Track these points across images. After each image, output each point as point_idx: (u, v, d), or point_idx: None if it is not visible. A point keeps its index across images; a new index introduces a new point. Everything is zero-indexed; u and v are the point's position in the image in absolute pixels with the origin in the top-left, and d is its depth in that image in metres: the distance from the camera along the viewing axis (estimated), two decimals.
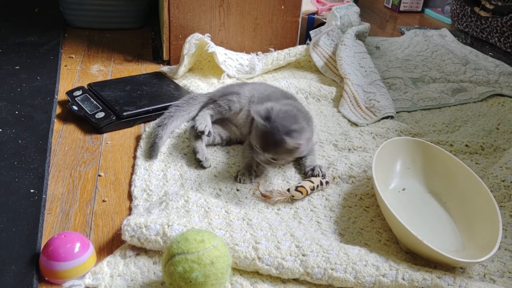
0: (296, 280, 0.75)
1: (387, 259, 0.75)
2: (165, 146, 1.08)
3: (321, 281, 0.73)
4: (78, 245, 0.72)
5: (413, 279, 0.71)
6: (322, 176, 0.98)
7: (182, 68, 1.41)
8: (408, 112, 1.36)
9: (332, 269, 0.72)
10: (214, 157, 1.07)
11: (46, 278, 0.72)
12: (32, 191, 0.90)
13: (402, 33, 2.08)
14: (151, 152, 1.04)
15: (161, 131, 1.07)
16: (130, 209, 0.90)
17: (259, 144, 0.94)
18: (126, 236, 0.75)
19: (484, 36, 1.98)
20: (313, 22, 1.73)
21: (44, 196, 0.90)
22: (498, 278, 0.78)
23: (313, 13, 1.74)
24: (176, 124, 1.13)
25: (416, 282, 0.70)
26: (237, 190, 0.95)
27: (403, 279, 0.71)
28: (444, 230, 0.87)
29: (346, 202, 0.94)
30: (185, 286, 0.64)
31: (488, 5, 1.91)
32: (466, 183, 0.91)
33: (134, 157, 1.05)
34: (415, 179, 0.98)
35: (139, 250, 0.78)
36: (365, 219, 0.89)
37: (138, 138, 1.13)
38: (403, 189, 0.96)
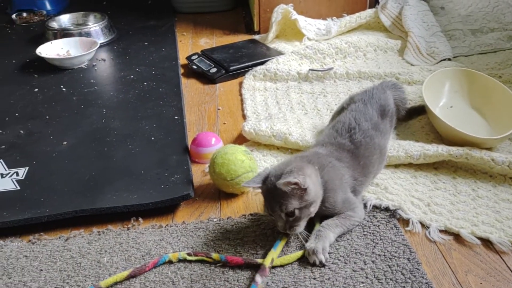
0: None
1: (431, 143, 1.04)
2: (261, 83, 1.44)
3: None
4: (214, 139, 1.11)
5: (449, 150, 0.99)
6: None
7: (271, 34, 1.75)
8: (466, 56, 1.58)
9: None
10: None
11: (195, 159, 1.12)
12: (176, 117, 1.30)
13: None
14: None
15: None
16: None
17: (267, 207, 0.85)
18: (245, 128, 1.12)
19: None
20: None
21: (185, 120, 1.29)
22: None
23: None
24: None
25: (452, 151, 0.99)
26: (318, 110, 1.28)
27: (443, 150, 0.99)
28: (480, 131, 1.12)
29: None
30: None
31: None
32: (502, 96, 1.15)
33: (241, 95, 1.42)
34: (461, 99, 1.23)
35: (253, 147, 1.14)
36: (417, 126, 1.18)
37: (241, 84, 1.49)
38: (451, 107, 1.22)
